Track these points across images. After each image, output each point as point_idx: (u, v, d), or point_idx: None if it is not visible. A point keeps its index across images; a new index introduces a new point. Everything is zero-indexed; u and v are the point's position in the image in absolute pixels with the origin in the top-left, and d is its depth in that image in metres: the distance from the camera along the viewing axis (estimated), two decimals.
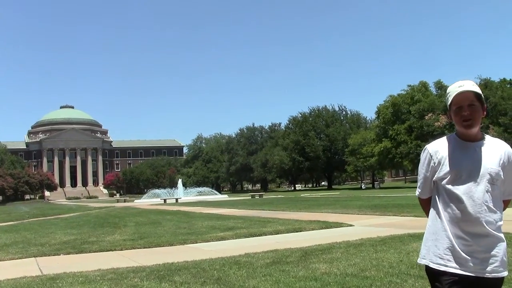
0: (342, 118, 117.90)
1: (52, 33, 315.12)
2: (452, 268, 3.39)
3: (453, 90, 3.49)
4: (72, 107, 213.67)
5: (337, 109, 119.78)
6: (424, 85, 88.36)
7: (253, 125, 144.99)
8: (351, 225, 17.75)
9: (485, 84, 77.75)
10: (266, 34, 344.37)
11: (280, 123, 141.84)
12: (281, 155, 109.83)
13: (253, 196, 66.25)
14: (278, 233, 16.06)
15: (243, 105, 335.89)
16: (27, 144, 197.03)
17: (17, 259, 12.84)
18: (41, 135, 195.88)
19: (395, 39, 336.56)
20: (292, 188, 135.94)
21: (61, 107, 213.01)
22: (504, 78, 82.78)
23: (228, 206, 38.23)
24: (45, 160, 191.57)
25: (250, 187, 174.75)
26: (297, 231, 16.47)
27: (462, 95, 3.45)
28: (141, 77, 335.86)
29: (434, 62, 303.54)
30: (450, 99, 3.51)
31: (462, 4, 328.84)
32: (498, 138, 3.66)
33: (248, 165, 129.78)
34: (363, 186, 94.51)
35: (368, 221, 19.19)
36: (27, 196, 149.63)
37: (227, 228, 18.45)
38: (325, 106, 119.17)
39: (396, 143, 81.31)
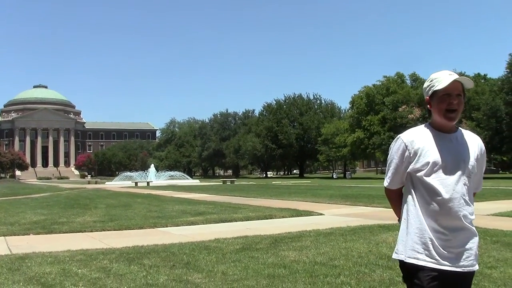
0: (316, 107, 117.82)
1: (26, 12, 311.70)
2: (431, 263, 3.27)
3: (443, 76, 3.36)
4: (46, 87, 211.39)
5: (311, 97, 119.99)
6: (400, 76, 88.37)
7: (227, 111, 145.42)
8: (321, 214, 17.81)
9: None
10: (243, 19, 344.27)
11: (253, 110, 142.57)
12: (254, 142, 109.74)
13: (224, 182, 66.33)
14: (248, 220, 16.09)
15: (217, 90, 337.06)
16: None
17: None
18: (13, 114, 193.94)
19: (372, 31, 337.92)
20: (264, 175, 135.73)
21: (34, 87, 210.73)
22: (478, 73, 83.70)
23: (199, 191, 38.29)
24: (17, 139, 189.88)
25: (221, 172, 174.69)
26: (267, 218, 16.53)
27: (454, 84, 3.32)
28: (116, 60, 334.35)
29: (409, 55, 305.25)
30: (439, 85, 3.34)
31: None
32: (471, 132, 3.56)
33: (220, 151, 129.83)
34: (334, 176, 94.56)
35: (338, 211, 19.29)
36: None
37: (197, 213, 18.46)
38: (300, 94, 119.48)
39: (369, 134, 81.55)
